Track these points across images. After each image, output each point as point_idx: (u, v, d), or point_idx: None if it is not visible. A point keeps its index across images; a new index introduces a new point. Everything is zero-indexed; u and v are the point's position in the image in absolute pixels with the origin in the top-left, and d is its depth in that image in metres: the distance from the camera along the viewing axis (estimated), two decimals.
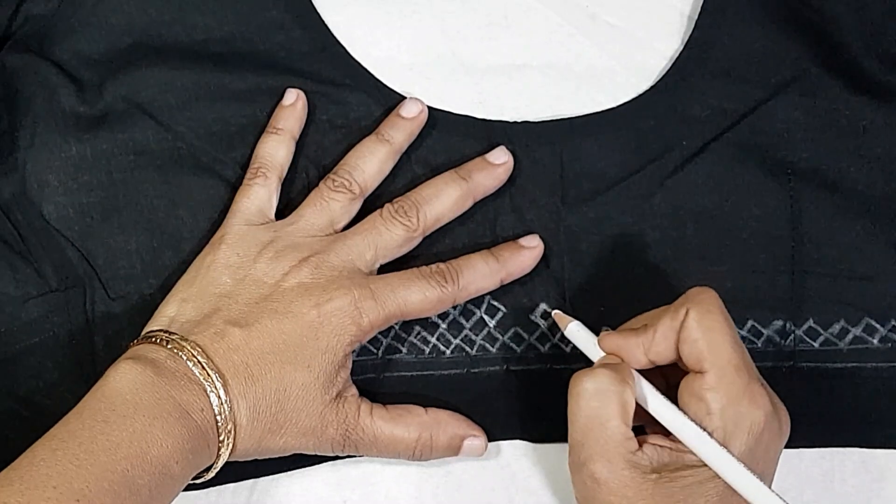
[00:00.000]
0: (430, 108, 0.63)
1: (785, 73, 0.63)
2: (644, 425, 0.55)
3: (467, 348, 0.61)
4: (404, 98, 0.63)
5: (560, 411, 0.59)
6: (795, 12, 0.64)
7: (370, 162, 0.60)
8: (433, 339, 0.61)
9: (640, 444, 0.52)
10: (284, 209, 0.61)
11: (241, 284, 0.56)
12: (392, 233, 0.59)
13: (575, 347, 0.60)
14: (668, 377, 0.56)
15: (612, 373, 0.53)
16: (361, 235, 0.58)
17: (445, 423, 0.58)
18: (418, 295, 0.57)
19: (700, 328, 0.52)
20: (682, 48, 0.64)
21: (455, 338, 0.61)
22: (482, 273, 0.59)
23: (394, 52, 0.65)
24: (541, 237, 0.61)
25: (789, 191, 0.62)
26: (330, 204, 0.59)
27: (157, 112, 0.62)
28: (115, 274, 0.60)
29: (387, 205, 0.59)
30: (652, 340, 0.53)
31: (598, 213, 0.61)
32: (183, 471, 0.51)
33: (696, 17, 0.65)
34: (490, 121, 0.63)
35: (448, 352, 0.61)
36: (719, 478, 0.51)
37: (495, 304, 0.61)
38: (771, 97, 0.63)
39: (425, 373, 0.59)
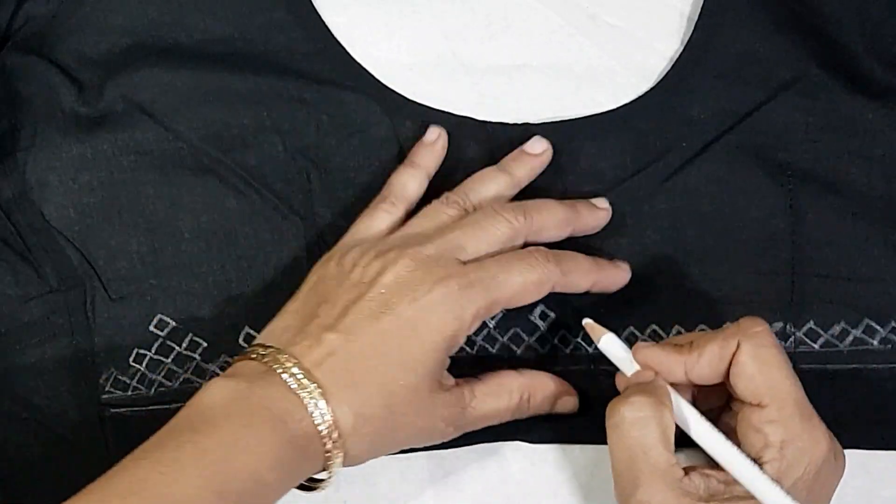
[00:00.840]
0: (429, 108, 0.63)
1: (785, 73, 0.63)
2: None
3: (467, 348, 0.61)
4: (405, 98, 0.63)
5: (558, 412, 0.60)
6: (795, 13, 0.64)
7: (488, 189, 0.60)
8: None
9: (687, 472, 0.52)
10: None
11: (339, 289, 0.55)
12: (496, 229, 0.57)
13: (574, 348, 0.61)
14: (695, 393, 0.56)
15: (648, 397, 0.52)
16: (462, 229, 0.57)
17: (542, 384, 0.58)
18: (518, 278, 0.55)
19: (756, 363, 0.52)
20: (682, 49, 0.64)
21: None
22: (582, 267, 0.58)
23: (394, 52, 0.65)
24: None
25: (789, 192, 0.62)
26: (439, 216, 0.58)
27: (157, 112, 0.62)
28: (115, 274, 0.60)
29: (491, 203, 0.59)
30: (696, 363, 0.53)
31: None
32: (278, 479, 0.50)
33: (696, 17, 0.64)
34: (490, 122, 0.63)
35: None
36: None
37: None
38: (771, 98, 0.62)
39: None
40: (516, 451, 0.60)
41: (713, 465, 0.53)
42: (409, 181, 0.60)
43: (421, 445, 0.56)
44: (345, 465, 0.53)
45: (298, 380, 0.51)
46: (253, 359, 0.53)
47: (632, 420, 0.52)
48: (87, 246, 0.60)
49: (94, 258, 0.60)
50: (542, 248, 0.57)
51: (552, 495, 0.60)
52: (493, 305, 0.55)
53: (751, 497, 0.51)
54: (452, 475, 0.60)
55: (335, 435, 0.51)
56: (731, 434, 0.53)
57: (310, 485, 0.53)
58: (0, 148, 0.61)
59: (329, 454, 0.52)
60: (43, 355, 0.59)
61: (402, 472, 0.60)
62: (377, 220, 0.59)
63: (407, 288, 0.54)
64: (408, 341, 0.53)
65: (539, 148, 0.61)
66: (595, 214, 0.60)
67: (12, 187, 0.60)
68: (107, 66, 0.62)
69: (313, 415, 0.51)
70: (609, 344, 0.56)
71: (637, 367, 0.55)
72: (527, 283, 0.55)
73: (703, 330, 0.60)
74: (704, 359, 0.53)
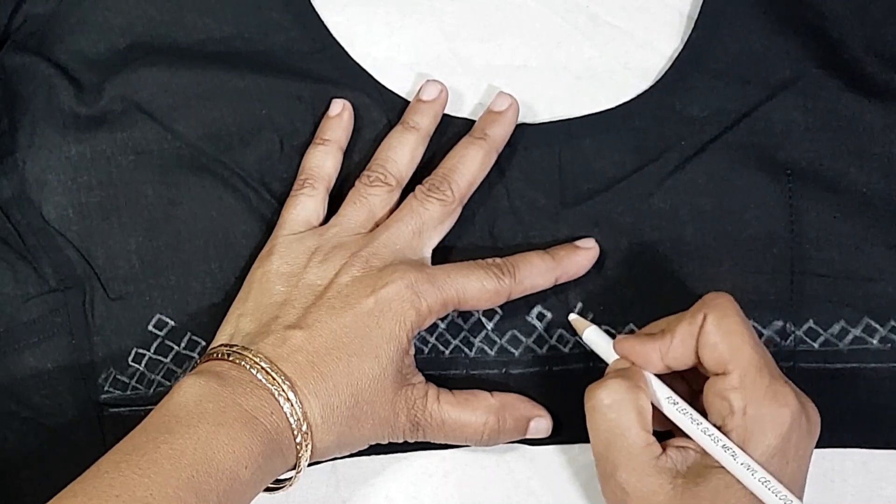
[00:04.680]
0: None
1: (785, 73, 0.63)
2: (671, 430, 0.55)
3: (466, 350, 0.61)
4: (403, 98, 0.63)
5: (558, 412, 0.60)
6: (795, 12, 0.64)
7: (401, 152, 0.61)
8: (432, 340, 0.61)
9: (664, 449, 0.53)
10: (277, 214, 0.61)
11: (295, 291, 0.56)
12: (430, 211, 0.59)
13: (573, 348, 0.61)
14: (690, 382, 0.57)
15: (624, 381, 0.53)
16: (402, 221, 0.58)
17: (512, 406, 0.58)
18: (476, 283, 0.57)
19: (719, 332, 0.53)
20: (681, 48, 0.64)
21: (454, 339, 0.61)
22: (538, 270, 0.59)
23: (393, 52, 0.65)
24: (538, 238, 0.61)
25: (788, 191, 0.61)
26: (369, 199, 0.60)
27: (156, 112, 0.62)
28: (114, 274, 0.60)
29: (418, 186, 0.60)
30: (670, 345, 0.54)
31: (596, 214, 0.61)
32: (254, 476, 0.51)
33: (695, 17, 0.64)
34: None
35: (447, 352, 0.61)
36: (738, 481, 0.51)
37: None
38: (770, 97, 0.62)
39: (425, 373, 0.59)
40: (516, 452, 0.60)
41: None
42: (324, 159, 0.61)
43: (384, 441, 0.57)
44: (312, 458, 0.54)
45: (267, 373, 0.53)
46: (218, 358, 0.54)
47: (608, 403, 0.53)
48: (86, 245, 0.60)
49: (93, 258, 0.60)
50: (499, 259, 0.58)
51: (552, 495, 0.60)
52: (448, 303, 0.57)
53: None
54: (452, 475, 0.60)
55: (304, 427, 0.53)
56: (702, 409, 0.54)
57: (275, 486, 0.54)
58: (0, 148, 0.61)
59: (299, 446, 0.53)
60: (42, 355, 0.59)
61: (402, 471, 0.60)
62: (303, 205, 0.60)
63: (365, 283, 0.56)
64: (370, 332, 0.55)
65: (434, 92, 0.62)
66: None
67: (11, 187, 0.61)
68: (106, 66, 0.62)
69: (283, 407, 0.52)
70: (592, 335, 0.58)
71: (617, 358, 0.56)
72: (483, 289, 0.57)
73: None
74: (677, 339, 0.54)
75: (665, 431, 0.55)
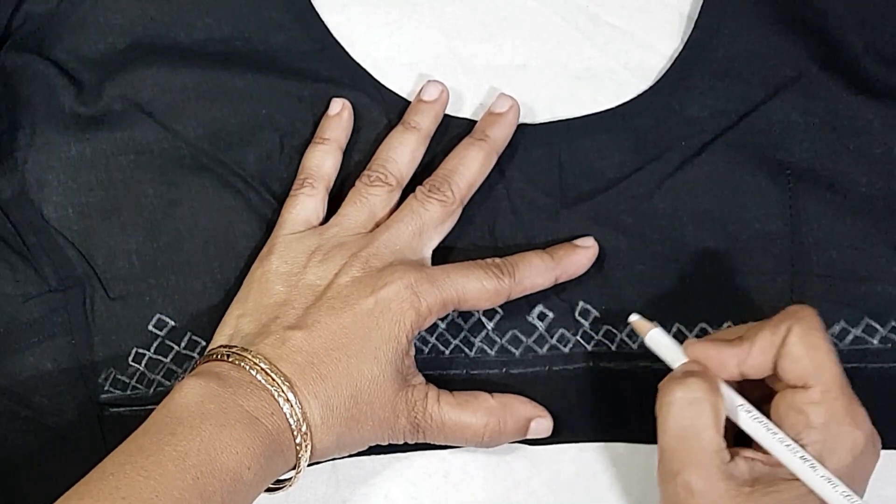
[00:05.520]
0: None
1: (785, 73, 0.63)
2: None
3: (466, 349, 0.61)
4: (403, 98, 0.63)
5: (558, 412, 0.60)
6: (795, 12, 0.64)
7: (401, 152, 0.61)
8: (432, 339, 0.61)
9: (732, 456, 0.52)
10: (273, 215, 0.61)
11: (294, 291, 0.56)
12: (431, 212, 0.59)
13: (573, 348, 0.61)
14: (745, 391, 0.56)
15: (703, 381, 0.52)
16: (402, 222, 0.59)
17: (512, 407, 0.58)
18: (475, 283, 0.57)
19: (804, 345, 0.52)
20: (681, 48, 0.64)
21: (454, 339, 0.61)
22: (538, 269, 0.59)
23: (393, 52, 0.65)
24: (538, 238, 0.61)
25: (789, 191, 0.61)
26: (369, 199, 0.60)
27: (156, 112, 0.62)
28: (114, 274, 0.60)
29: (419, 187, 0.60)
30: (749, 353, 0.53)
31: (596, 214, 0.61)
32: (256, 476, 0.51)
33: (696, 17, 0.64)
34: None
35: (447, 352, 0.61)
36: (815, 494, 0.51)
37: None
38: (770, 97, 0.62)
39: (425, 373, 0.59)
40: (516, 452, 0.60)
41: (758, 449, 0.53)
42: (324, 158, 0.61)
43: (384, 443, 0.57)
44: (311, 459, 0.54)
45: (267, 374, 0.53)
46: (218, 359, 0.54)
47: (686, 400, 0.52)
48: (86, 245, 0.60)
49: (93, 257, 0.60)
50: (499, 259, 0.58)
51: (552, 495, 0.60)
52: (448, 303, 0.57)
53: (795, 479, 0.51)
54: (452, 475, 0.60)
55: (304, 427, 0.53)
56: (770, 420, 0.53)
57: (275, 486, 0.54)
58: (0, 147, 0.61)
59: (298, 447, 0.53)
60: (42, 355, 0.59)
61: (402, 471, 0.60)
62: (302, 205, 0.60)
63: (364, 284, 0.56)
64: (369, 332, 0.55)
65: (435, 92, 0.62)
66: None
67: (11, 187, 0.60)
68: (106, 66, 0.62)
69: (283, 408, 0.52)
70: (657, 337, 0.56)
71: (684, 360, 0.54)
72: (482, 289, 0.57)
73: (703, 329, 0.60)
74: (757, 348, 0.53)
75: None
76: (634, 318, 0.56)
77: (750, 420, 0.53)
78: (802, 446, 0.51)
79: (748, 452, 0.53)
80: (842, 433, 0.51)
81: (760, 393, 0.54)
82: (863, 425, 0.52)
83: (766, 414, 0.53)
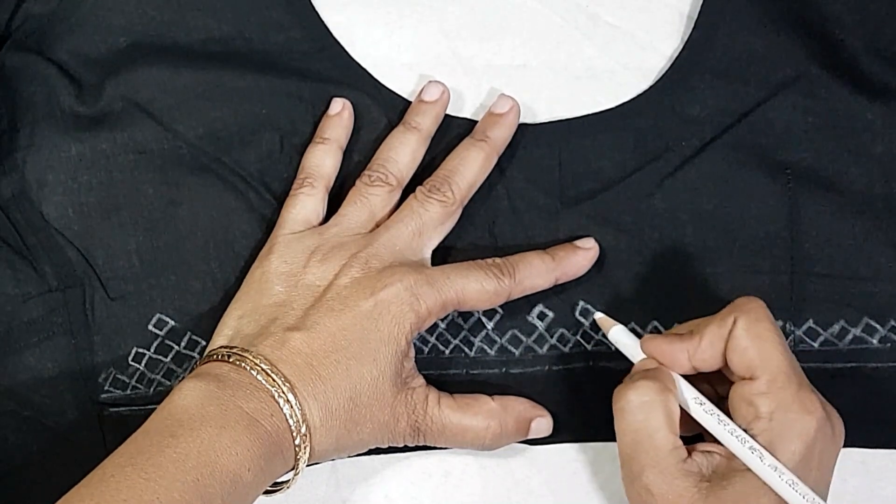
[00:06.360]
0: None
1: (785, 73, 0.63)
2: (697, 435, 0.55)
3: (466, 349, 0.61)
4: (403, 98, 0.63)
5: (558, 412, 0.60)
6: (795, 12, 0.64)
7: (402, 152, 0.61)
8: (432, 339, 0.61)
9: (690, 452, 0.53)
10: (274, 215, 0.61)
11: (294, 291, 0.56)
12: (431, 212, 0.59)
13: (573, 348, 0.61)
14: (715, 385, 0.57)
15: (653, 382, 0.53)
16: (402, 222, 0.59)
17: (513, 408, 0.58)
18: (475, 284, 0.57)
19: (749, 336, 0.52)
20: (681, 48, 0.64)
21: (454, 338, 0.61)
22: (538, 270, 0.59)
23: (393, 52, 0.65)
24: (538, 238, 0.61)
25: (788, 191, 0.61)
26: (370, 199, 0.59)
27: (156, 112, 0.62)
28: (114, 274, 0.60)
29: (419, 187, 0.60)
30: (698, 347, 0.54)
31: (596, 214, 0.61)
32: (256, 478, 0.51)
33: (695, 17, 0.64)
34: None
35: (447, 352, 0.61)
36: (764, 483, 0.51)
37: None
38: (770, 97, 0.62)
39: (424, 373, 0.59)
40: (516, 451, 0.60)
41: (716, 441, 0.53)
42: (324, 158, 0.61)
43: (384, 445, 0.57)
44: (310, 460, 0.54)
45: (268, 375, 0.53)
46: (219, 360, 0.54)
47: (637, 404, 0.53)
48: (86, 245, 0.60)
49: (93, 257, 0.60)
50: (499, 259, 0.58)
51: (552, 495, 0.60)
52: (448, 305, 0.57)
53: (749, 469, 0.51)
54: (452, 475, 0.60)
55: (303, 429, 0.53)
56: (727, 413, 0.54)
57: (273, 488, 0.54)
58: (0, 147, 0.61)
59: (298, 448, 0.53)
60: (42, 354, 0.59)
61: (401, 471, 0.60)
62: (302, 204, 0.60)
63: (364, 286, 0.56)
64: (368, 334, 0.55)
65: (436, 93, 0.62)
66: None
67: (12, 186, 0.60)
68: (106, 66, 0.62)
69: (284, 410, 0.52)
70: (618, 334, 0.58)
71: (644, 357, 0.56)
72: (482, 290, 0.57)
73: None
74: (705, 341, 0.54)
75: (690, 436, 0.55)
76: (599, 315, 0.59)
77: (703, 412, 0.54)
78: (753, 436, 0.52)
79: (706, 446, 0.53)
80: (790, 420, 0.51)
81: (730, 386, 0.55)
82: (814, 411, 0.52)
83: (726, 408, 0.54)
